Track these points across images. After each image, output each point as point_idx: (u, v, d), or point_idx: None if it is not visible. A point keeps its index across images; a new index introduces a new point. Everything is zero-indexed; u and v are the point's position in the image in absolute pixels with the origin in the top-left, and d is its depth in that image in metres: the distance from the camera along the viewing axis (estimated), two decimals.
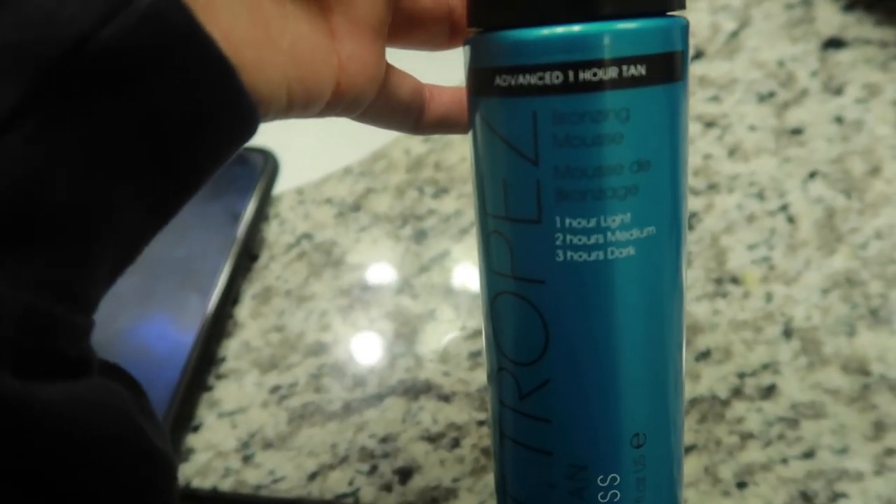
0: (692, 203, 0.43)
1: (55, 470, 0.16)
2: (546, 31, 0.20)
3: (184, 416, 0.39)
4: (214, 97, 0.18)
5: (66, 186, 0.16)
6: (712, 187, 0.43)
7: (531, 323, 0.22)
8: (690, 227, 0.42)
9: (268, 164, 0.47)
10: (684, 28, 0.21)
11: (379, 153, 0.49)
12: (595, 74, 0.19)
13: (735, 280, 0.40)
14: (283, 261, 0.45)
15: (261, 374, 0.40)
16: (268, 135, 0.45)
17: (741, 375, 0.37)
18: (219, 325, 0.42)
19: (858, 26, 0.46)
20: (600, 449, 0.22)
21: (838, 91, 0.45)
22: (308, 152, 0.50)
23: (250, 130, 0.19)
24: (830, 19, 0.47)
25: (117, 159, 0.17)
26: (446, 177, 0.47)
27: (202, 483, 0.37)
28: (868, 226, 0.40)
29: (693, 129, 0.45)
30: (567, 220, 0.21)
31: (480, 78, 0.21)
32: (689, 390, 0.37)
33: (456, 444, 0.37)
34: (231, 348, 0.42)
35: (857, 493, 0.33)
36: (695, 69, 0.47)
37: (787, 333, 0.38)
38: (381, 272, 0.44)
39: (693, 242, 0.41)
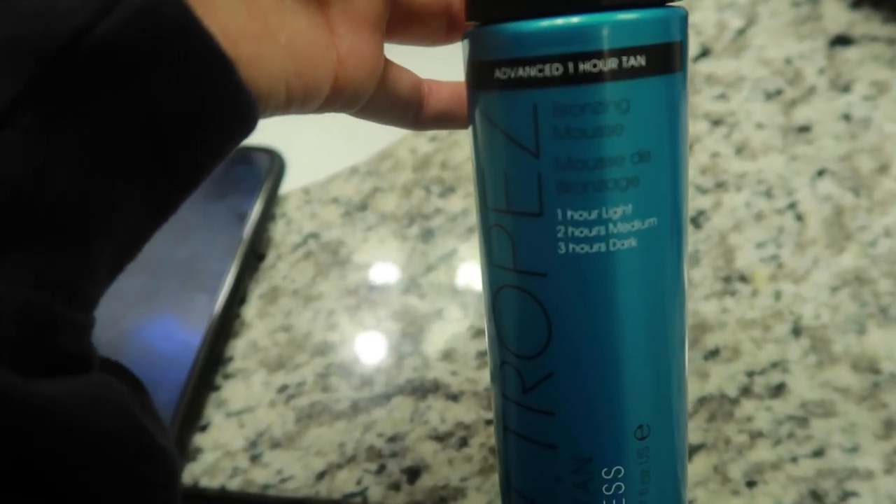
0: (700, 201, 0.42)
1: (55, 466, 0.16)
2: (545, 23, 0.20)
3: (191, 416, 0.39)
4: (213, 92, 0.18)
5: (65, 182, 0.16)
6: (720, 185, 0.43)
7: (534, 316, 0.22)
8: (698, 226, 0.42)
9: (274, 164, 0.47)
10: (683, 18, 0.21)
11: (385, 152, 0.49)
12: (595, 66, 0.19)
13: (743, 278, 0.40)
14: (290, 260, 0.45)
15: (268, 374, 0.41)
16: (274, 134, 0.46)
17: (750, 374, 0.37)
18: (226, 325, 0.42)
19: (866, 23, 0.46)
20: (604, 441, 0.22)
21: (846, 88, 0.44)
22: (314, 152, 0.50)
23: (249, 126, 0.19)
24: (838, 16, 0.47)
25: (116, 156, 0.17)
26: (453, 176, 0.47)
27: (210, 482, 0.37)
28: (877, 223, 0.40)
29: (700, 127, 0.45)
30: (569, 213, 0.21)
31: (480, 71, 0.21)
32: (698, 389, 0.36)
33: (464, 443, 0.37)
34: (238, 348, 0.42)
35: (868, 491, 0.33)
36: (701, 67, 0.47)
37: (796, 332, 0.37)
38: (388, 271, 0.44)
39: (701, 241, 0.41)
